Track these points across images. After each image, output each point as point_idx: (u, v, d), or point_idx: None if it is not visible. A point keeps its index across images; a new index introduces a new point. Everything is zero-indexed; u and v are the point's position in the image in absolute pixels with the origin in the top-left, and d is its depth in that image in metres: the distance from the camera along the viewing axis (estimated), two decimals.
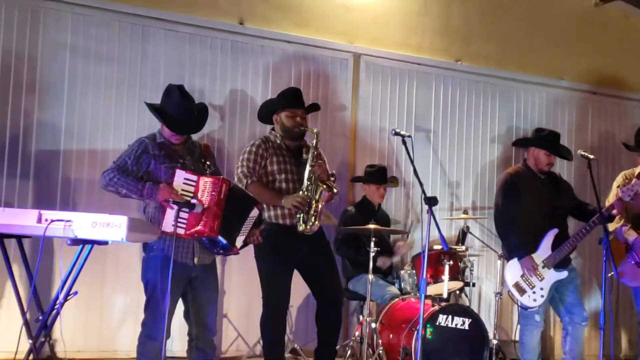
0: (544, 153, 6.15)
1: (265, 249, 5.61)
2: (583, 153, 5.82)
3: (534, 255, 6.00)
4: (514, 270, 6.04)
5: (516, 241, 6.03)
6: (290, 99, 5.96)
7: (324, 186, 5.58)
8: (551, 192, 6.11)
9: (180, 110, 4.86)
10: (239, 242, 4.84)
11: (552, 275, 5.93)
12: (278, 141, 5.86)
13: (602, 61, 9.41)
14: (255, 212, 4.94)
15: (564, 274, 5.94)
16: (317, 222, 5.59)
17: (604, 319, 5.64)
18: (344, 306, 7.68)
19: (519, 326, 6.15)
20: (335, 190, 5.64)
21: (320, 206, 5.62)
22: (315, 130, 5.76)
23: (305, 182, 5.62)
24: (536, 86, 9.04)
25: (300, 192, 5.57)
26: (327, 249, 5.98)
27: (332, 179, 5.81)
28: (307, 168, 5.65)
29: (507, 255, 6.16)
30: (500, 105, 8.85)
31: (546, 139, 6.28)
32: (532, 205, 6.04)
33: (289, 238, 5.61)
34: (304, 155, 5.82)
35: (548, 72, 9.09)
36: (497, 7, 8.92)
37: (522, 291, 5.99)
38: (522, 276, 5.99)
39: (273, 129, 5.97)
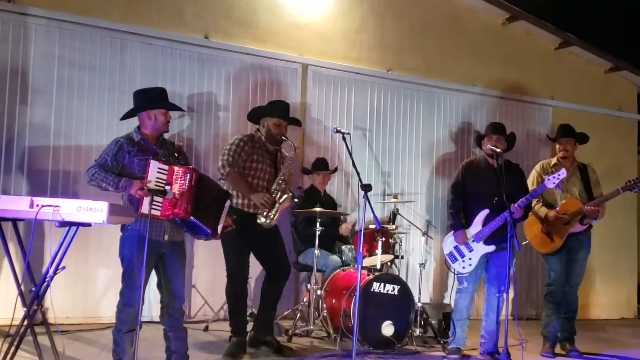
0: (486, 139, 6.11)
1: (231, 231, 5.61)
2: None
3: (466, 230, 6.00)
4: (449, 241, 6.09)
5: (456, 217, 6.05)
6: (280, 110, 5.94)
7: (290, 195, 5.68)
8: (496, 179, 5.90)
9: (163, 93, 4.88)
10: (219, 229, 4.84)
11: (481, 248, 5.93)
12: (262, 140, 5.86)
13: (508, 71, 9.55)
14: (228, 203, 4.95)
15: (491, 248, 5.91)
16: (274, 220, 5.68)
17: (508, 284, 5.73)
18: (295, 276, 7.77)
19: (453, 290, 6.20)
20: (295, 200, 5.77)
21: (281, 208, 5.72)
22: (295, 145, 5.84)
23: (275, 186, 5.69)
24: (454, 92, 9.13)
25: (273, 194, 5.66)
26: (278, 233, 5.96)
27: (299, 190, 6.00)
28: (281, 176, 5.73)
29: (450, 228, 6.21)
30: (424, 108, 8.93)
31: (487, 127, 6.23)
32: (476, 190, 6.03)
33: (251, 224, 5.62)
34: (279, 160, 5.87)
35: (464, 80, 9.20)
36: (423, 26, 8.99)
37: (454, 259, 6.01)
38: (455, 247, 6.04)
39: (258, 130, 5.94)
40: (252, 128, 6.43)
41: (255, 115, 6.07)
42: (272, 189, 5.70)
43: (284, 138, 5.84)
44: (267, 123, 5.87)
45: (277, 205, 5.65)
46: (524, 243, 6.44)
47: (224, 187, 5.40)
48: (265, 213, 5.61)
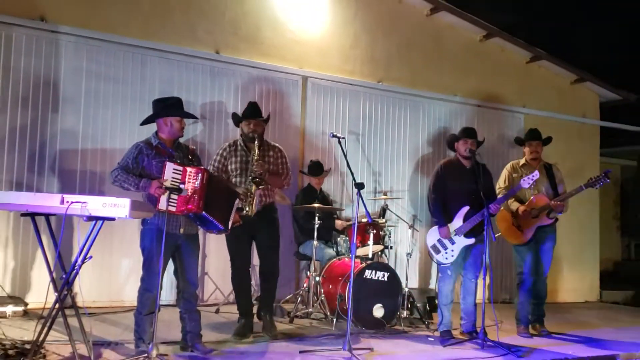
0: (462, 142, 6.04)
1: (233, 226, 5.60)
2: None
3: (449, 225, 5.94)
4: (433, 235, 6.04)
5: (440, 214, 5.98)
6: (246, 112, 5.84)
7: (256, 182, 5.47)
8: (473, 178, 5.90)
9: (178, 102, 4.89)
10: (230, 225, 4.83)
11: (462, 241, 5.90)
12: (241, 143, 5.77)
13: (485, 82, 9.56)
14: (237, 202, 4.94)
15: (471, 241, 5.89)
16: (253, 208, 5.49)
17: (485, 271, 5.74)
18: (296, 264, 7.77)
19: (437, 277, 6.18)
20: (261, 187, 5.50)
21: (255, 197, 5.51)
22: (260, 140, 5.61)
23: (248, 179, 5.55)
24: (437, 101, 9.13)
25: (243, 187, 5.53)
26: (274, 227, 5.80)
27: (284, 176, 5.79)
28: (250, 169, 5.54)
29: (434, 223, 6.14)
30: (410, 115, 8.93)
31: (462, 132, 6.15)
32: (455, 188, 5.98)
33: (243, 218, 5.42)
34: (256, 154, 5.57)
35: (446, 91, 9.19)
36: (409, 42, 9.00)
37: (437, 251, 5.96)
38: (438, 240, 5.99)
39: (241, 134, 5.87)
40: None
41: (235, 121, 6.01)
42: (246, 183, 5.56)
43: (255, 134, 5.66)
44: (241, 125, 5.82)
45: (249, 195, 5.49)
46: (497, 235, 6.44)
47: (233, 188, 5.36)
48: (244, 205, 5.48)
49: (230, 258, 5.72)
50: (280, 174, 5.82)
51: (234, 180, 5.66)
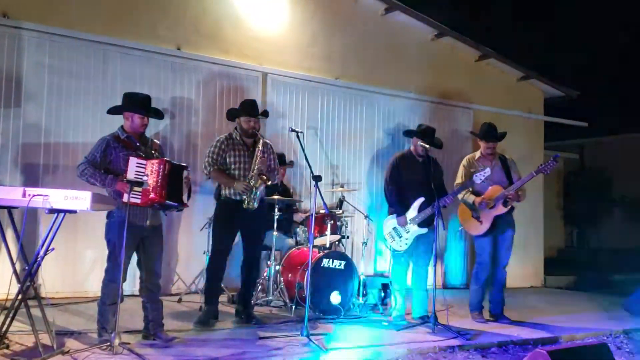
0: (420, 142, 6.09)
1: (221, 215, 5.65)
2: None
3: (405, 214, 6.00)
4: (389, 223, 6.12)
5: (397, 204, 6.05)
6: (247, 108, 5.80)
7: (263, 178, 5.55)
8: (425, 171, 5.99)
9: (145, 99, 4.83)
10: (185, 198, 4.80)
11: (415, 230, 5.99)
12: (238, 138, 5.75)
13: (436, 79, 9.66)
14: (185, 174, 4.83)
15: (424, 230, 5.98)
16: (256, 203, 5.56)
17: (436, 259, 5.82)
18: None
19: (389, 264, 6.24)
20: (269, 183, 5.61)
21: (259, 192, 5.59)
22: (261, 137, 5.70)
23: (251, 173, 5.58)
24: (392, 97, 9.19)
25: (247, 181, 5.54)
26: (263, 220, 5.89)
27: (277, 171, 5.90)
28: (254, 165, 5.58)
29: (391, 212, 6.19)
30: (366, 111, 8.98)
31: (423, 132, 6.19)
32: (409, 179, 6.06)
33: (239, 210, 5.53)
34: (260, 150, 5.67)
35: (400, 87, 9.26)
36: (365, 40, 9.04)
37: (392, 239, 6.06)
38: (394, 228, 6.07)
39: (236, 128, 5.82)
40: (219, 126, 6.41)
41: (232, 115, 5.96)
42: (248, 177, 5.59)
43: (254, 131, 5.72)
44: (240, 121, 5.78)
45: (254, 190, 5.56)
46: (460, 229, 6.48)
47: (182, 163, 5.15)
48: (246, 199, 5.53)
49: (214, 242, 5.74)
50: (273, 169, 5.89)
51: (234, 173, 5.63)
